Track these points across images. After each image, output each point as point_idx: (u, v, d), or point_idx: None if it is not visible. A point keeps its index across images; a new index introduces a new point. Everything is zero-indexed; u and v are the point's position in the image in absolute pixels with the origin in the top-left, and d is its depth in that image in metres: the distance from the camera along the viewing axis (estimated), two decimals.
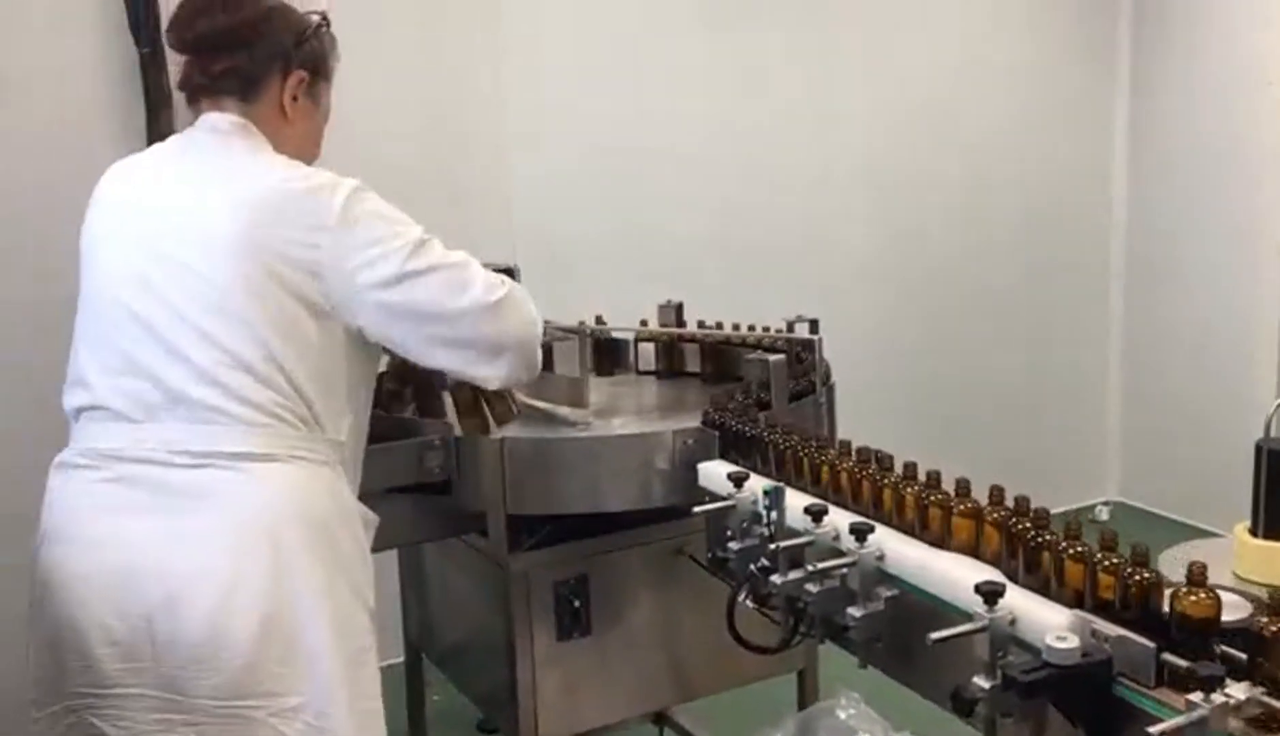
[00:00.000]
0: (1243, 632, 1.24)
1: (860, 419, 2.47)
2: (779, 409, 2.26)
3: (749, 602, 1.81)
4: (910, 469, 1.69)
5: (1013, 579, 1.45)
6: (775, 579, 1.69)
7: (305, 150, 1.87)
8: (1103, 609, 1.32)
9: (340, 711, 1.66)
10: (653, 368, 2.91)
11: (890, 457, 1.76)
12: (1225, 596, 1.27)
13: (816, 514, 1.68)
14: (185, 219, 1.70)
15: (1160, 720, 1.18)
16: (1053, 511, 1.50)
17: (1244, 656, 1.22)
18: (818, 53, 4.44)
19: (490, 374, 1.85)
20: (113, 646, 1.62)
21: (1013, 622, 1.36)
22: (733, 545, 1.84)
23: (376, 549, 1.88)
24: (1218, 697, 1.15)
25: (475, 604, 2.54)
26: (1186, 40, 4.83)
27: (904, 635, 1.55)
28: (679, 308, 2.86)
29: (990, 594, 1.36)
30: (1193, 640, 1.24)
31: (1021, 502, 1.52)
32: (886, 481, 1.70)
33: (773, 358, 2.32)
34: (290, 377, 1.67)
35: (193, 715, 1.62)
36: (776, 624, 1.79)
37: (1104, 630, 1.28)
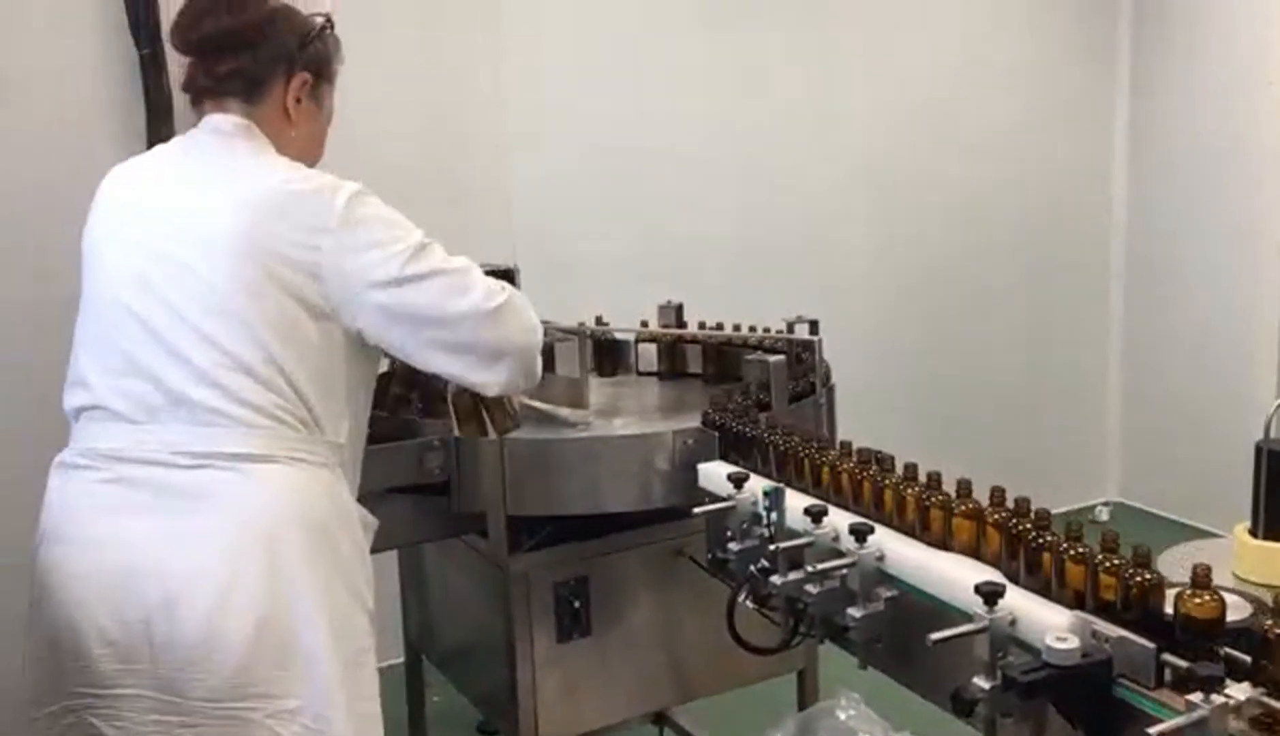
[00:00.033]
0: (1243, 633, 1.24)
1: (860, 419, 2.48)
2: (779, 409, 2.26)
3: (749, 603, 1.81)
4: (911, 470, 1.69)
5: (1014, 580, 1.45)
6: (775, 579, 1.69)
7: (308, 152, 1.86)
8: (1103, 610, 1.32)
9: (338, 713, 1.65)
10: (653, 368, 2.90)
11: (891, 458, 1.76)
12: (1226, 597, 1.27)
13: (816, 515, 1.68)
14: (187, 220, 1.70)
15: (1160, 721, 1.18)
16: (1053, 512, 1.50)
17: (1245, 657, 1.22)
18: (818, 53, 4.44)
19: (489, 380, 1.83)
20: (110, 647, 1.62)
21: (1013, 623, 1.36)
22: (733, 546, 1.84)
23: (376, 549, 1.88)
24: (1218, 698, 1.15)
25: (475, 605, 2.54)
26: (1186, 40, 4.83)
27: (904, 636, 1.55)
28: (679, 308, 2.86)
29: (990, 594, 1.36)
30: (1197, 642, 1.24)
31: (1022, 504, 1.52)
32: (887, 482, 1.70)
33: (773, 358, 2.32)
34: (290, 379, 1.67)
35: (190, 717, 1.61)
36: (776, 624, 1.79)
37: (1104, 631, 1.28)
